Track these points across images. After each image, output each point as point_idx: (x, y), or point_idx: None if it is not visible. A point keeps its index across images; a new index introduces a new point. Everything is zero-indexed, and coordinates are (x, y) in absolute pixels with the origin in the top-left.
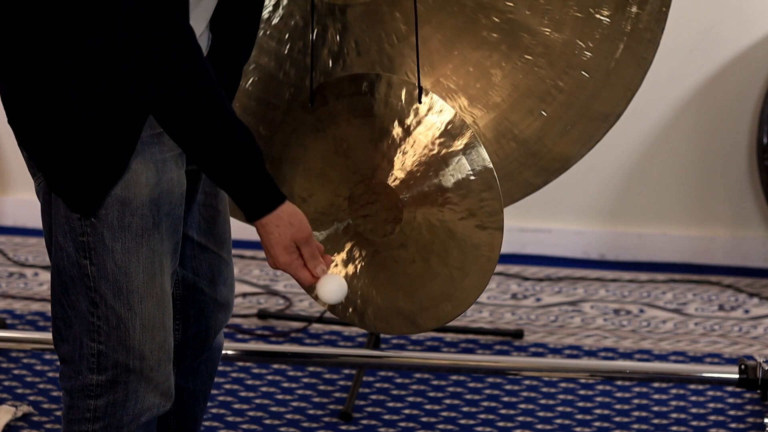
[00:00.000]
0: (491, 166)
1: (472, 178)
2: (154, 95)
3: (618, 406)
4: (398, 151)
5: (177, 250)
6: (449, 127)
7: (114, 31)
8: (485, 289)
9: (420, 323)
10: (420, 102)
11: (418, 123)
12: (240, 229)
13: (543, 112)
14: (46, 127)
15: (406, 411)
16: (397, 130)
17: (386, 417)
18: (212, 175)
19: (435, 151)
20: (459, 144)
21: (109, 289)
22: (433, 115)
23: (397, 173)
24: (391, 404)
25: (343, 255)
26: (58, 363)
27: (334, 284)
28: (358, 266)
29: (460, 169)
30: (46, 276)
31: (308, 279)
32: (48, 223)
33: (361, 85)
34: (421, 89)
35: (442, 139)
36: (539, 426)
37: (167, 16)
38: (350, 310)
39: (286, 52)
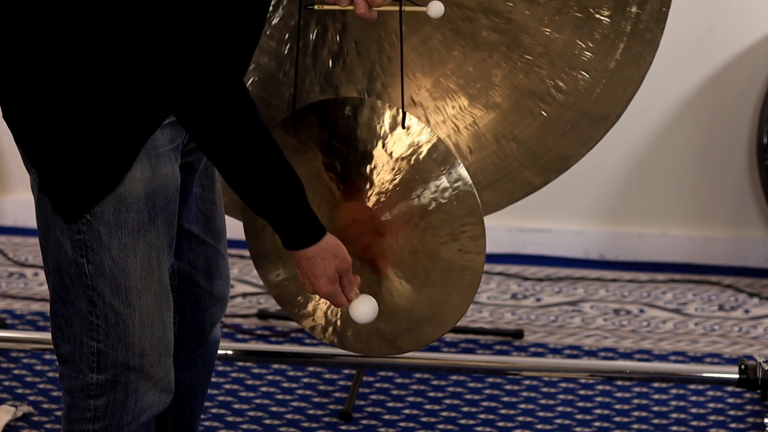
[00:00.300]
0: (474, 191)
1: (455, 203)
2: (154, 96)
3: (618, 406)
4: (380, 175)
5: (172, 244)
6: (432, 151)
7: (114, 31)
8: (485, 290)
9: (400, 345)
10: (403, 127)
11: (401, 147)
12: (240, 229)
13: (543, 112)
14: (43, 127)
15: (406, 411)
16: (379, 154)
17: (386, 417)
18: (248, 195)
19: (417, 176)
20: (442, 169)
21: (107, 286)
22: (416, 140)
23: (379, 197)
24: (391, 404)
25: None
26: (58, 364)
27: (367, 306)
28: None
29: (442, 194)
30: None
31: (344, 303)
32: (42, 219)
33: (344, 109)
34: (404, 114)
35: (424, 164)
36: (539, 426)
37: (167, 16)
38: (330, 330)
39: (286, 52)
